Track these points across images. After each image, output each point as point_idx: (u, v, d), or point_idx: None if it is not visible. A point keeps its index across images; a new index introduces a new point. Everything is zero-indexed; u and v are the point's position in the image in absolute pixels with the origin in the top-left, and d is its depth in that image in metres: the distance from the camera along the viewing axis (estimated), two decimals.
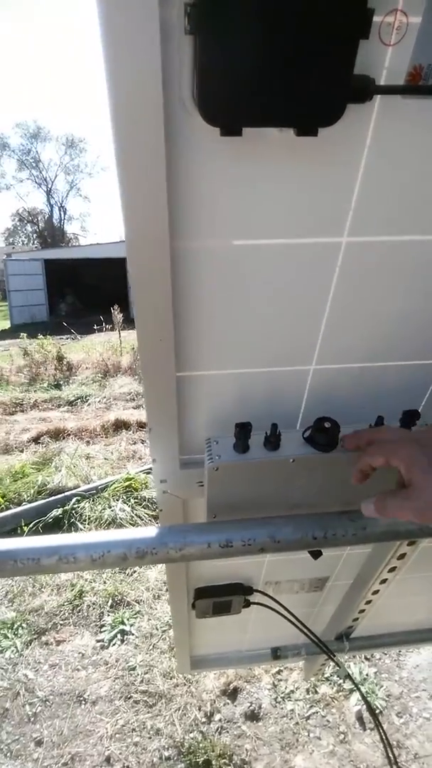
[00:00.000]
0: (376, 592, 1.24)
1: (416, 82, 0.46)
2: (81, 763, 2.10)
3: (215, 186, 0.50)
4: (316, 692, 2.41)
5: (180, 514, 0.93)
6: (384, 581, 1.18)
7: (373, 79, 0.44)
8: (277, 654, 1.60)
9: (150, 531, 0.77)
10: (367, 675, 2.48)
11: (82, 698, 2.44)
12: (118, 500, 4.20)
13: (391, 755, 1.32)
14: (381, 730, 1.25)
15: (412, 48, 0.44)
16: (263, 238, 0.55)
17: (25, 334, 10.17)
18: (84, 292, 21.98)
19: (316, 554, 0.95)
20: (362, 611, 1.36)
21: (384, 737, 1.29)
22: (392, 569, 1.12)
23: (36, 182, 35.27)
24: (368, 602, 1.30)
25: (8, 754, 2.15)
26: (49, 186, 35.35)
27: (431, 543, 1.20)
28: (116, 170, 0.45)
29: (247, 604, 1.33)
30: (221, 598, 1.30)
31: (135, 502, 4.21)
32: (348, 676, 1.36)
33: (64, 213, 36.71)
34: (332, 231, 0.56)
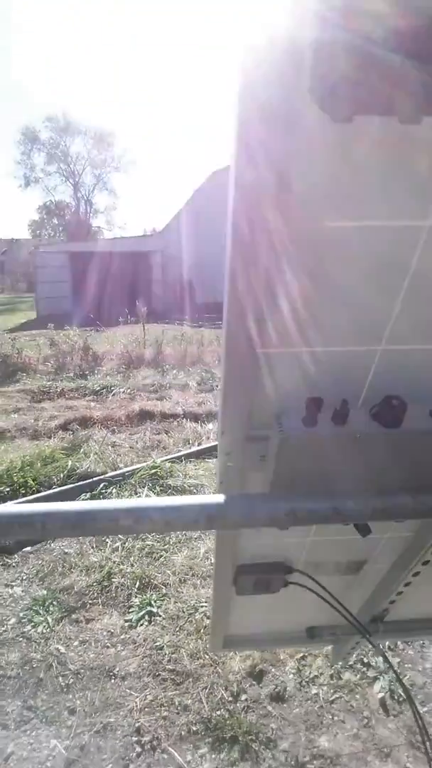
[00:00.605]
0: (417, 574, 1.27)
1: None
2: (112, 732, 2.18)
3: (319, 166, 0.54)
4: (340, 678, 2.45)
5: (239, 486, 0.98)
6: (426, 563, 1.21)
7: None
8: (312, 634, 1.65)
9: (219, 498, 0.82)
10: (389, 665, 2.51)
11: (111, 673, 2.53)
12: (144, 487, 4.29)
13: (425, 733, 1.36)
14: (414, 708, 1.29)
15: None
16: (353, 221, 0.59)
17: (52, 325, 10.37)
18: (109, 284, 22.20)
19: (364, 530, 0.98)
20: (400, 593, 1.39)
21: (417, 715, 1.33)
22: None
23: (63, 175, 35.70)
24: (407, 584, 1.33)
25: (44, 720, 2.25)
26: (77, 179, 35.74)
27: None
28: (233, 138, 0.50)
29: (285, 583, 1.37)
30: (262, 576, 1.34)
31: (161, 490, 4.29)
32: (383, 655, 1.40)
33: (90, 206, 37.08)
34: (416, 213, 0.59)
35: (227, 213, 0.57)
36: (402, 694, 2.32)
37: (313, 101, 0.47)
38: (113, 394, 7.32)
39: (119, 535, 3.60)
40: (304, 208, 0.57)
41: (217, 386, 7.92)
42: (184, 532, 3.68)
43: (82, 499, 4.09)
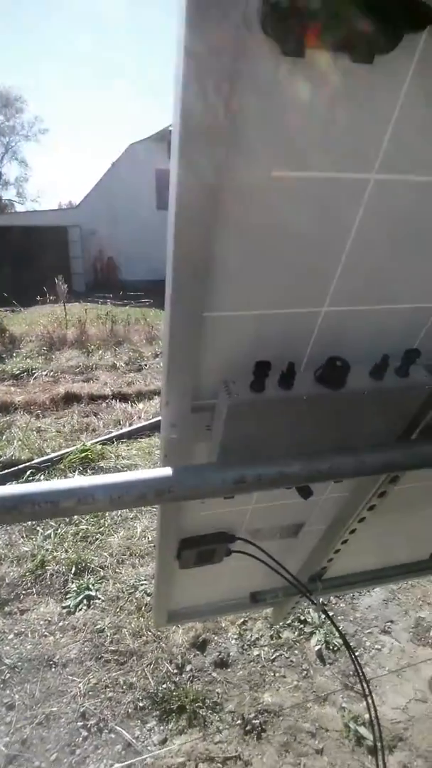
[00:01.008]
0: (353, 531, 1.33)
1: None
2: (56, 721, 2.13)
3: (268, 107, 0.50)
4: (280, 637, 2.57)
5: (184, 458, 0.95)
6: (362, 520, 1.27)
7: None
8: (256, 598, 1.69)
9: (167, 471, 0.79)
10: (325, 618, 2.68)
11: (51, 662, 2.45)
12: (74, 471, 4.14)
13: (360, 672, 1.45)
14: (351, 652, 1.38)
15: None
16: (299, 170, 0.57)
17: None
18: (23, 261, 20.74)
19: (306, 492, 1.00)
20: (338, 551, 1.46)
21: (354, 659, 1.42)
22: (371, 507, 1.21)
23: None
24: (344, 542, 1.40)
25: None
26: None
27: (412, 484, 1.30)
28: (175, 88, 0.45)
29: (229, 552, 1.38)
30: (205, 547, 1.33)
31: (93, 473, 4.16)
32: (324, 611, 1.48)
33: None
34: (363, 167, 0.58)
35: (171, 164, 0.52)
36: (336, 643, 2.49)
37: (264, 30, 0.43)
38: (35, 378, 6.92)
39: (51, 522, 3.46)
40: (249, 156, 0.54)
41: (145, 366, 7.78)
42: (119, 513, 3.62)
43: None
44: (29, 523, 3.51)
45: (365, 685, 1.45)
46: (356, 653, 2.46)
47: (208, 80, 0.44)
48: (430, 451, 0.88)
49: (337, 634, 2.57)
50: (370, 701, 1.36)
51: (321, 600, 2.79)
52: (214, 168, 0.51)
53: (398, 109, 0.53)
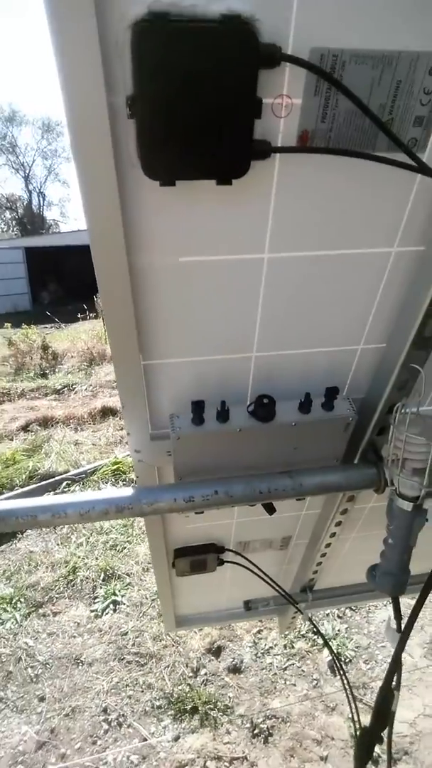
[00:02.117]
0: (328, 545, 1.43)
1: (305, 143, 0.62)
2: (81, 714, 2.31)
3: (161, 219, 0.66)
4: (293, 647, 2.65)
5: (154, 479, 1.10)
6: (333, 535, 1.37)
7: (269, 143, 0.60)
8: (248, 606, 1.81)
9: (127, 491, 0.94)
10: (339, 630, 2.73)
11: (79, 661, 2.66)
12: (107, 483, 4.38)
13: (350, 695, 1.53)
14: (343, 676, 1.47)
15: (299, 118, 0.60)
16: (202, 256, 0.72)
17: (9, 324, 10.17)
18: (66, 279, 21.79)
19: (270, 509, 1.12)
20: (319, 564, 1.56)
21: (345, 682, 1.50)
22: (338, 523, 1.31)
23: (13, 167, 34.52)
24: (323, 555, 1.50)
25: (14, 709, 2.36)
26: (27, 171, 34.61)
27: (379, 503, 1.39)
28: (83, 208, 0.61)
29: (221, 562, 1.51)
30: (197, 557, 1.47)
31: (123, 484, 4.39)
32: (309, 620, 1.57)
33: (43, 199, 36.04)
34: (256, 249, 0.72)
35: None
36: (347, 655, 2.55)
37: (143, 171, 0.59)
38: (75, 392, 7.32)
39: (83, 530, 3.70)
40: (158, 249, 0.69)
41: None
42: None
43: None
44: (64, 531, 3.77)
45: (353, 704, 1.53)
46: (368, 666, 2.50)
47: (102, 206, 0.60)
48: (365, 474, 1.00)
49: (349, 646, 2.62)
50: (354, 709, 1.44)
51: (336, 612, 2.85)
52: (127, 259, 0.67)
53: (272, 204, 0.67)
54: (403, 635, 0.96)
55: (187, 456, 0.95)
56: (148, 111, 0.54)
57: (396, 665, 0.97)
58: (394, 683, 1.01)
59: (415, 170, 0.62)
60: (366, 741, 0.97)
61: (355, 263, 0.77)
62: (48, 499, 0.93)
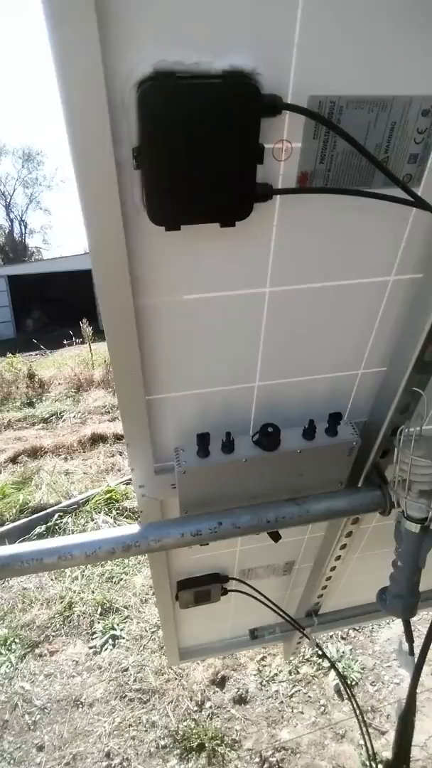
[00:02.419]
0: (333, 568, 1.43)
1: (304, 184, 0.64)
2: (82, 762, 2.22)
3: (166, 260, 0.67)
4: (298, 673, 2.60)
5: (158, 513, 1.09)
6: (338, 558, 1.37)
7: (271, 185, 0.62)
8: (254, 634, 1.78)
9: (133, 528, 0.93)
10: (343, 652, 2.69)
11: (79, 702, 2.56)
12: (100, 512, 4.31)
13: (361, 720, 1.51)
14: (353, 702, 1.45)
15: (298, 160, 0.63)
16: (206, 293, 0.73)
17: None
18: (50, 306, 21.76)
19: (275, 537, 1.12)
20: (325, 587, 1.55)
21: (356, 707, 1.48)
22: (343, 546, 1.31)
23: None
24: (328, 579, 1.49)
25: (11, 761, 2.25)
26: (8, 200, 34.81)
27: (381, 522, 1.39)
28: (90, 253, 0.62)
29: (225, 591, 1.49)
30: (201, 588, 1.45)
31: (117, 513, 4.32)
32: (318, 645, 1.55)
33: (25, 227, 36.19)
34: (258, 284, 0.74)
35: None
36: (353, 678, 2.50)
37: (148, 218, 0.60)
38: (63, 420, 7.23)
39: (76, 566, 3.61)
40: (165, 290, 0.70)
41: None
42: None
43: (38, 532, 4.06)
44: None
45: (364, 728, 1.50)
46: (375, 688, 2.46)
47: (109, 251, 0.61)
48: (370, 497, 1.00)
49: (355, 668, 2.58)
50: (367, 740, 1.41)
51: (339, 634, 2.81)
52: (132, 300, 0.67)
53: (273, 242, 0.69)
54: (420, 659, 0.95)
55: (192, 489, 0.94)
56: (154, 162, 0.55)
57: (414, 691, 0.96)
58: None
59: (412, 204, 0.64)
60: None
61: (354, 293, 0.79)
62: (53, 542, 0.91)
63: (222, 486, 0.95)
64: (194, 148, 0.54)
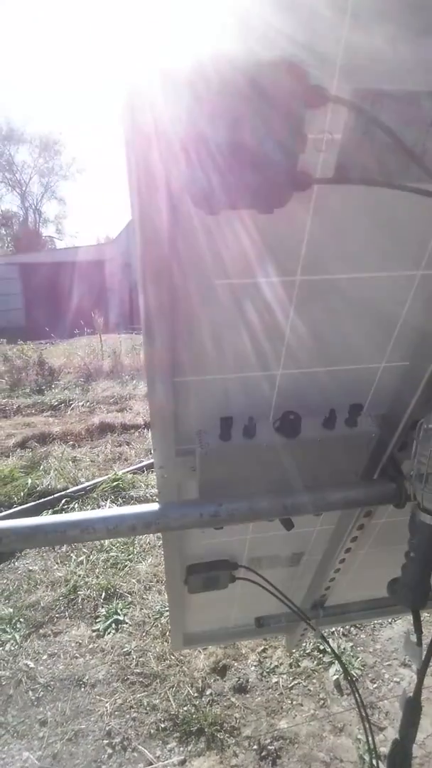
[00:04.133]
0: (342, 560, 1.45)
1: (342, 175, 0.66)
2: (84, 738, 2.27)
3: (202, 244, 0.69)
4: (299, 666, 2.63)
5: (175, 495, 1.12)
6: (348, 550, 1.39)
7: (310, 175, 0.64)
8: (260, 623, 1.80)
9: (154, 506, 0.96)
10: (344, 649, 2.71)
11: (81, 682, 2.61)
12: (106, 500, 4.36)
13: (363, 713, 1.53)
14: (357, 695, 1.46)
15: (338, 151, 0.64)
16: (236, 279, 0.75)
17: (4, 340, 10.17)
18: (62, 295, 21.84)
19: (288, 525, 1.14)
20: (333, 579, 1.57)
21: (358, 699, 1.50)
22: (354, 539, 1.33)
23: (9, 185, 34.84)
24: (337, 570, 1.51)
25: (15, 734, 2.30)
26: (24, 189, 34.96)
27: (392, 518, 1.41)
28: (137, 233, 0.64)
29: (233, 579, 1.51)
30: (210, 573, 1.47)
31: (123, 501, 4.37)
32: (323, 637, 1.57)
33: (39, 216, 36.35)
34: (289, 273, 0.76)
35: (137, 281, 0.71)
36: (353, 674, 2.53)
37: (190, 199, 0.62)
38: (72, 408, 7.30)
39: (83, 548, 3.66)
40: (199, 273, 0.73)
41: None
42: (147, 541, 3.78)
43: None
44: (63, 549, 3.73)
45: (367, 722, 1.52)
46: (374, 685, 2.48)
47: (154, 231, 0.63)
48: (385, 489, 1.02)
49: (355, 665, 2.60)
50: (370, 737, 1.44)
51: (341, 630, 2.83)
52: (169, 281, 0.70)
53: (307, 231, 0.71)
54: (430, 650, 0.97)
55: (212, 471, 0.97)
56: (201, 146, 0.57)
57: (422, 681, 0.98)
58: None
59: None
60: (400, 753, 0.97)
61: (381, 286, 0.80)
62: (76, 515, 0.94)
63: (241, 470, 0.98)
64: (240, 133, 0.56)
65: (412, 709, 0.95)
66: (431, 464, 0.86)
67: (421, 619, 1.04)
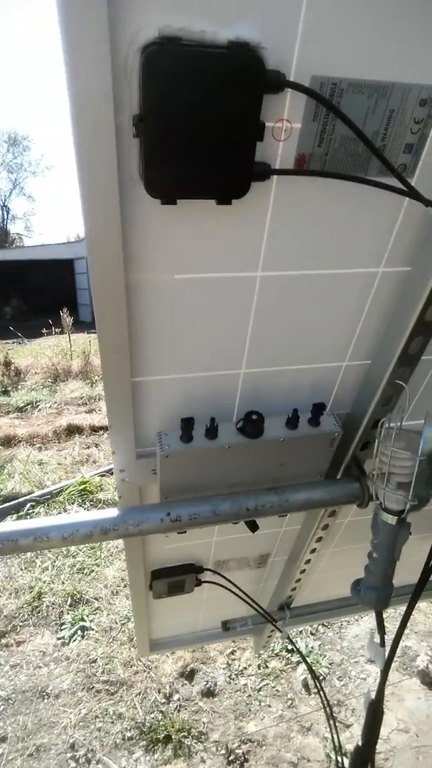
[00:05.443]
0: (308, 561, 1.44)
1: (301, 166, 0.64)
2: (46, 753, 2.18)
3: (159, 236, 0.66)
4: (267, 667, 2.62)
5: (136, 499, 1.08)
6: (314, 551, 1.38)
7: (269, 165, 0.62)
8: (227, 626, 1.78)
9: (112, 512, 0.92)
10: (312, 648, 2.72)
11: (45, 693, 2.52)
12: (73, 504, 4.25)
13: (329, 712, 1.53)
14: (322, 694, 1.46)
15: (297, 142, 0.62)
16: (197, 273, 0.72)
17: None
18: (30, 294, 21.31)
19: (253, 527, 1.12)
20: (298, 581, 1.56)
21: (323, 699, 1.50)
22: (319, 539, 1.32)
23: None
24: (302, 571, 1.50)
25: None
26: None
27: (356, 517, 1.41)
28: (83, 224, 0.60)
29: (199, 582, 1.48)
30: (175, 578, 1.44)
31: (91, 505, 4.27)
32: (288, 638, 1.56)
33: (8, 213, 35.36)
34: (249, 268, 0.73)
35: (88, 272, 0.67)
36: (321, 672, 2.53)
37: (145, 189, 0.59)
38: (39, 410, 7.10)
39: (49, 554, 3.56)
40: (153, 266, 0.69)
41: None
42: (114, 545, 3.71)
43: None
44: (28, 555, 3.61)
45: (331, 717, 1.52)
46: (341, 683, 2.50)
47: (103, 222, 0.60)
48: (349, 489, 1.01)
49: (323, 663, 2.61)
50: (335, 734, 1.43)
51: (309, 629, 2.84)
52: (124, 276, 0.66)
53: (268, 224, 0.69)
54: (392, 651, 0.97)
55: (173, 474, 0.93)
56: (154, 131, 0.54)
57: (384, 681, 0.97)
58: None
59: (405, 194, 0.65)
60: (359, 759, 0.96)
61: (343, 282, 0.79)
62: (29, 523, 0.89)
63: (203, 472, 0.95)
64: (195, 119, 0.53)
65: (373, 712, 0.94)
66: (392, 463, 0.85)
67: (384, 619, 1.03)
